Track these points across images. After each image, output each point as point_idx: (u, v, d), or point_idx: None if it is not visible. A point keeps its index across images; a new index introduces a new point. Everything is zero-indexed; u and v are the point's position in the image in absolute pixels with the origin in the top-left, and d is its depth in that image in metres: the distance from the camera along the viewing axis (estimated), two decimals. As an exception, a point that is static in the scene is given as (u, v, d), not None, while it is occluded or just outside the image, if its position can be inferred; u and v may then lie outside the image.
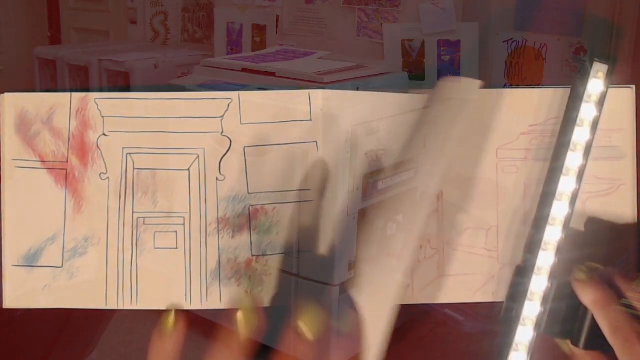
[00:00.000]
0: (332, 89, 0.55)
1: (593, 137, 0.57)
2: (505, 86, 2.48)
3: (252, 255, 0.60)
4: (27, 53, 3.95)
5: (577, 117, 0.56)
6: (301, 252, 0.60)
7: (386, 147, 0.61)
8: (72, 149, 0.60)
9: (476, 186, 0.60)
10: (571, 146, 0.56)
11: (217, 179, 0.60)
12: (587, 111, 0.56)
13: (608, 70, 0.57)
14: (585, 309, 0.53)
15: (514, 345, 0.55)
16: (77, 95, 0.60)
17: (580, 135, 0.56)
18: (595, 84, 0.56)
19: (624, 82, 0.60)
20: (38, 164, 0.60)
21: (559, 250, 0.55)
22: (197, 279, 0.60)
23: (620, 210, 0.61)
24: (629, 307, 0.51)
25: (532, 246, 0.56)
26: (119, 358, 2.55)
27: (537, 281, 0.55)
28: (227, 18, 3.20)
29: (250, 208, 0.60)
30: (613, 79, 0.57)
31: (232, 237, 0.60)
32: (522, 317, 0.55)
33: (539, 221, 0.56)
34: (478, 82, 0.57)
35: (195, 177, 0.60)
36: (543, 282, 0.55)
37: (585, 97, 0.56)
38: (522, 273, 0.56)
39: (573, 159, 0.57)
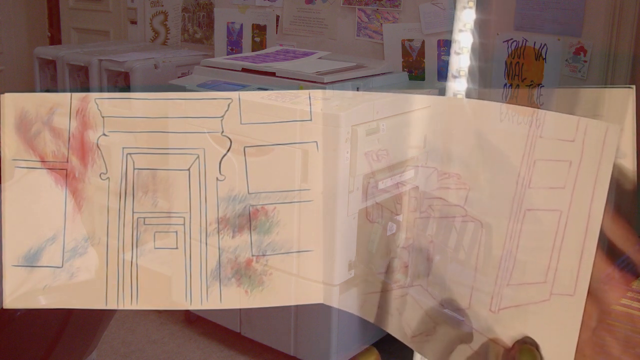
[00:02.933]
0: (332, 89, 0.55)
1: (476, 62, 0.59)
2: (505, 86, 2.48)
3: (252, 255, 0.60)
4: (27, 53, 3.96)
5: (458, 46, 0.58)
6: (301, 252, 0.60)
7: (386, 147, 0.61)
8: (72, 149, 0.60)
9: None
10: (455, 72, 0.58)
11: (217, 179, 0.60)
12: (465, 39, 0.58)
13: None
14: None
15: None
16: (77, 96, 0.60)
17: (462, 61, 0.58)
18: (468, 13, 0.58)
19: (624, 82, 0.60)
20: (38, 164, 0.60)
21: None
22: (197, 279, 0.60)
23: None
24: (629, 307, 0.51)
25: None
26: (119, 358, 2.55)
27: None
28: (227, 18, 3.20)
29: (250, 208, 0.60)
30: (613, 80, 0.57)
31: (232, 237, 0.60)
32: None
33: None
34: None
35: (195, 177, 0.60)
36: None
37: (461, 27, 0.58)
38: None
39: (459, 83, 0.59)
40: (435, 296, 0.57)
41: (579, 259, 0.49)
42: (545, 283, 0.51)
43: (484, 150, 0.55)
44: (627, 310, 0.51)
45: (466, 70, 0.58)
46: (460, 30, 0.58)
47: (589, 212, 0.49)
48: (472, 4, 0.58)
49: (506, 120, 0.53)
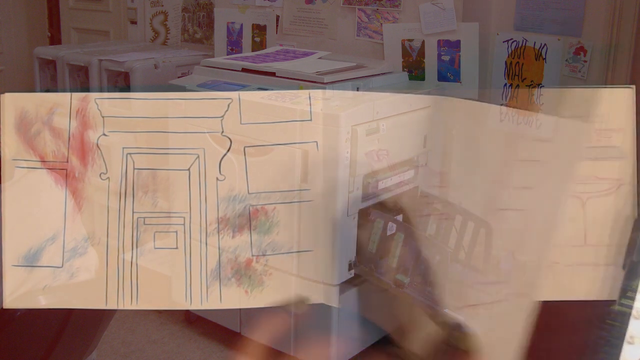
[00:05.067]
0: (332, 89, 0.55)
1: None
2: (505, 86, 2.48)
3: (252, 255, 0.60)
4: (27, 53, 3.95)
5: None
6: (301, 252, 0.60)
7: (386, 147, 0.61)
8: (72, 149, 0.60)
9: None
10: (629, 338, 0.54)
11: (217, 179, 0.60)
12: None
13: None
14: None
15: (627, 338, 0.53)
16: (77, 95, 0.60)
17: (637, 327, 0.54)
18: None
19: (624, 82, 0.60)
20: (38, 164, 0.60)
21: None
22: (197, 279, 0.60)
23: (621, 209, 0.61)
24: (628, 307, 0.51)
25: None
26: (119, 358, 2.55)
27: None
28: (227, 18, 3.20)
29: (250, 208, 0.60)
30: (613, 80, 0.57)
31: (232, 237, 0.60)
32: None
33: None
34: None
35: (195, 177, 0.60)
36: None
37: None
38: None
39: (632, 350, 0.54)
40: (426, 293, 0.58)
41: (539, 259, 0.51)
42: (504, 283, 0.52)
43: (476, 150, 0.55)
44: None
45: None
46: None
47: (556, 209, 0.50)
48: None
49: (506, 121, 0.54)
